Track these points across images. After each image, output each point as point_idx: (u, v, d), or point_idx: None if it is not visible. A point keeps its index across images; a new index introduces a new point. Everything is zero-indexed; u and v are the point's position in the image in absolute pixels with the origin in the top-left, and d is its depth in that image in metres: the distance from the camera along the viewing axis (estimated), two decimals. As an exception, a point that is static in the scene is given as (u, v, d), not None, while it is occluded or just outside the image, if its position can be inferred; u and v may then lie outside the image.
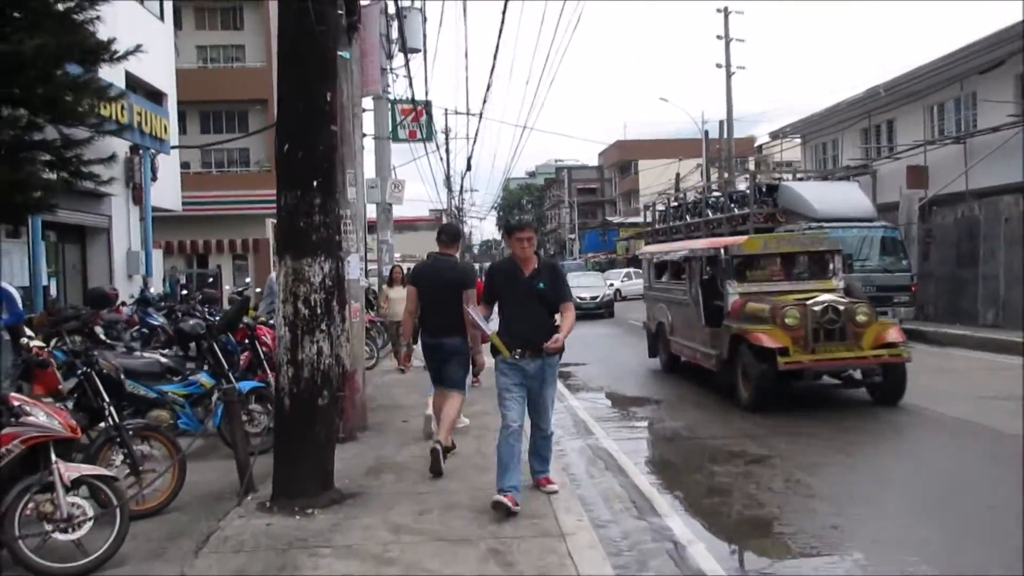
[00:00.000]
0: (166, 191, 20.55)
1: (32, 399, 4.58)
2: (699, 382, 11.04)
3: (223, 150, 34.34)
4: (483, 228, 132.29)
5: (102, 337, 11.82)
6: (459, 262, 6.71)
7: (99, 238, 18.05)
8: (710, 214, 19.56)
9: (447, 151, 49.07)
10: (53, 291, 16.85)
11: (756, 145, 46.00)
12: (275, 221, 5.26)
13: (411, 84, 19.53)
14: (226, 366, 6.85)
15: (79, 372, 5.15)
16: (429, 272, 6.46)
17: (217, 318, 8.40)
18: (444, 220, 59.59)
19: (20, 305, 7.11)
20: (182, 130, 33.39)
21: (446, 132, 49.56)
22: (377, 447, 7.15)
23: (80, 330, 12.34)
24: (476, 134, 32.08)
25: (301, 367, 5.10)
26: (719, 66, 33.07)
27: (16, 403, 4.31)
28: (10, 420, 4.22)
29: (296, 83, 5.12)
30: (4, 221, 10.88)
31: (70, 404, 5.11)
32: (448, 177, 50.89)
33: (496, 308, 5.37)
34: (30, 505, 4.21)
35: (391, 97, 17.97)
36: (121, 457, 5.10)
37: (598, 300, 26.23)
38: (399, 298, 11.75)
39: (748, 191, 16.94)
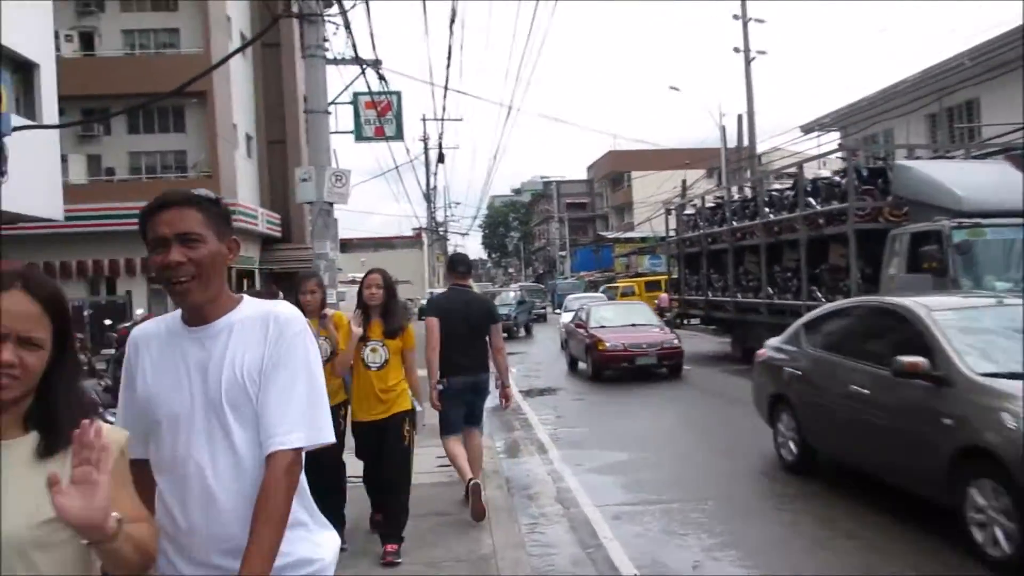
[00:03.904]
0: (34, 193, 15.19)
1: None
2: None
3: (155, 153, 28.93)
4: (466, 245, 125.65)
5: None
6: (479, 295, 6.67)
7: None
8: (770, 213, 14.49)
9: (427, 162, 44.20)
10: None
11: (755, 154, 39.42)
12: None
13: (349, 34, 14.44)
14: None
15: None
16: (454, 306, 6.09)
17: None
18: (423, 237, 54.34)
19: None
20: (105, 130, 28.08)
21: (424, 140, 44.72)
22: None
23: None
24: (443, 109, 26.48)
25: None
26: (737, 50, 28.34)
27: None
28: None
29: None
30: None
31: None
32: (428, 187, 45.92)
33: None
34: None
35: (329, 55, 12.81)
36: None
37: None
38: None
39: (842, 179, 11.84)
